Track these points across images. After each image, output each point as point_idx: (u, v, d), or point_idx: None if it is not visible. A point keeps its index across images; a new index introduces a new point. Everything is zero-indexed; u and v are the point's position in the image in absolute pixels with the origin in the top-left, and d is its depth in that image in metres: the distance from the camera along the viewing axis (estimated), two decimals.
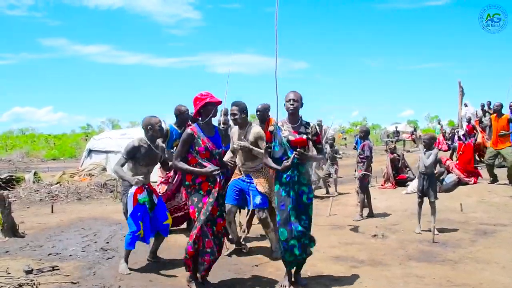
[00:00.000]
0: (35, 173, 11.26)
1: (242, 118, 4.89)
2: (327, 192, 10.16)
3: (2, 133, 35.96)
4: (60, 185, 10.57)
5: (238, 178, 5.06)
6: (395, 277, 4.42)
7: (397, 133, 25.84)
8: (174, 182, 5.82)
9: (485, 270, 4.60)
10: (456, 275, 4.44)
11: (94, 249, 5.45)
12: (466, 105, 14.65)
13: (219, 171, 3.93)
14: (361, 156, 7.45)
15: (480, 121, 13.10)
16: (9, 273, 4.33)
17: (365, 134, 7.70)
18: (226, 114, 5.92)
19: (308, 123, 4.21)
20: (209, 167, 3.90)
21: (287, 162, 3.97)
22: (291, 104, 4.10)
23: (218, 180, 3.98)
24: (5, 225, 5.93)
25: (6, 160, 19.98)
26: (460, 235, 6.10)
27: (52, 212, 8.07)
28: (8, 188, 9.88)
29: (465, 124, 14.06)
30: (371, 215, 7.47)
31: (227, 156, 4.80)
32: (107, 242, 5.77)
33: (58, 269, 4.57)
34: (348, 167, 14.18)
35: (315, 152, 4.34)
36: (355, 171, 7.67)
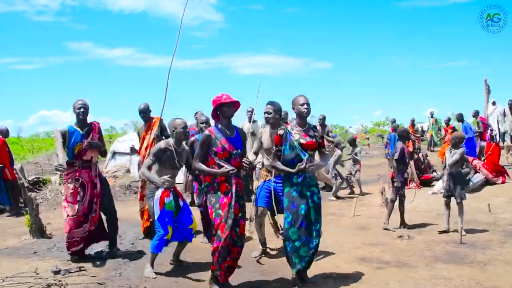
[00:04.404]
0: (60, 175, 11.49)
1: (275, 118, 4.79)
2: (352, 193, 10.07)
3: (29, 136, 36.65)
4: None
5: (269, 180, 4.89)
6: (422, 279, 4.33)
7: (422, 132, 25.38)
8: (83, 200, 5.08)
9: None
10: (486, 278, 4.32)
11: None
12: (494, 103, 14.25)
13: (234, 171, 3.92)
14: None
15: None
16: (38, 273, 4.43)
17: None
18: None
19: (315, 126, 4.33)
20: (225, 167, 3.92)
21: (302, 164, 4.00)
22: (305, 108, 4.17)
23: (234, 181, 3.97)
24: (33, 226, 6.07)
25: (33, 163, 20.35)
26: (488, 236, 5.95)
27: None
28: (35, 190, 10.11)
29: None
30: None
31: (251, 158, 4.75)
32: (132, 243, 5.84)
33: (85, 270, 4.66)
34: (372, 167, 14.02)
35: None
36: (394, 177, 6.57)
